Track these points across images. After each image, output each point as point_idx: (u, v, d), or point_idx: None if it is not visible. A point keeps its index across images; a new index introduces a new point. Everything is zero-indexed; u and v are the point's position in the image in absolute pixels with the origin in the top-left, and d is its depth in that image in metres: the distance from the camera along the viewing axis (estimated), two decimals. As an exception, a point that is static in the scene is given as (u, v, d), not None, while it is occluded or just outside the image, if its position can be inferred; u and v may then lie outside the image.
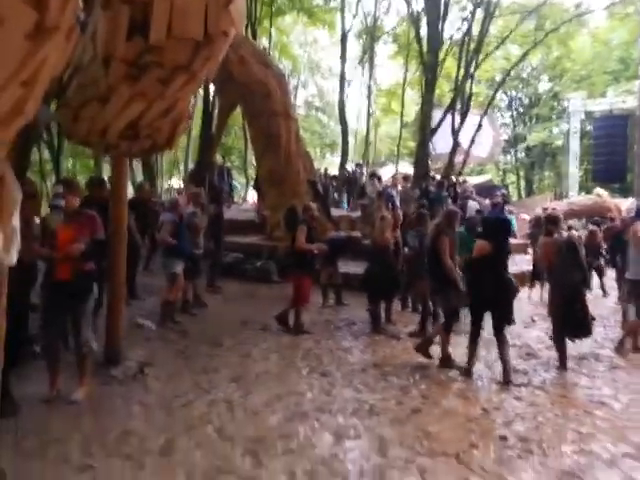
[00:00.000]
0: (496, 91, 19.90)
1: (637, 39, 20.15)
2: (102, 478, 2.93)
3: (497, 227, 4.93)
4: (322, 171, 17.47)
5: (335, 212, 11.91)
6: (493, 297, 4.74)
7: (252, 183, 17.06)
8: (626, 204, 16.44)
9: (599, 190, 18.75)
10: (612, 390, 4.56)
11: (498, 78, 22.95)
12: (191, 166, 17.99)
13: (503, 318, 4.81)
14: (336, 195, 17.02)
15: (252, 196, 17.77)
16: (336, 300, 7.80)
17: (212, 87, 13.71)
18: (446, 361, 5.08)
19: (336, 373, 4.86)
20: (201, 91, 16.46)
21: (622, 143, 21.34)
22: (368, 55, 22.72)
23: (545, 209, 12.78)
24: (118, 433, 3.47)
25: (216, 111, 14.28)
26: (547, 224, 5.57)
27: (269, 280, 9.25)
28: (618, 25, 22.25)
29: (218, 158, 17.70)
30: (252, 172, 19.02)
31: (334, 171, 19.52)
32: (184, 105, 4.30)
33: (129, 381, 4.43)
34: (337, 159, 29.20)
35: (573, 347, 5.46)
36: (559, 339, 5.15)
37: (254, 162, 15.13)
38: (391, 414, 3.95)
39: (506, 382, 4.62)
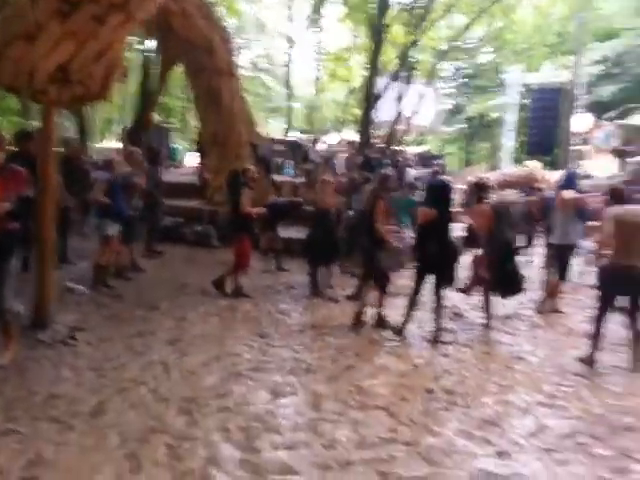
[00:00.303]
0: (440, 61, 20.12)
1: (575, 14, 20.84)
2: (28, 441, 2.86)
3: (440, 192, 5.08)
4: (266, 135, 17.17)
5: (279, 178, 11.81)
6: (438, 260, 4.92)
7: (194, 146, 16.54)
8: (556, 176, 17.29)
9: (529, 162, 19.57)
10: (531, 346, 4.90)
11: (444, 47, 23.16)
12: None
13: (445, 280, 5.01)
14: (280, 161, 16.84)
15: (193, 159, 17.25)
16: (276, 265, 7.81)
17: (151, 42, 13.03)
18: (380, 321, 5.25)
19: (274, 334, 4.92)
20: (139, 45, 15.65)
21: (554, 116, 22.24)
22: (316, 17, 22.25)
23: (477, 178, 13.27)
24: (45, 397, 3.37)
25: (155, 67, 13.59)
26: (477, 191, 5.80)
27: (209, 245, 9.12)
28: (558, -1, 22.88)
29: (157, 118, 16.97)
30: (194, 135, 18.39)
31: (278, 136, 19.24)
32: (119, 50, 4.05)
33: (58, 345, 4.28)
34: (281, 124, 28.78)
35: (498, 307, 5.81)
36: (487, 299, 5.45)
37: (196, 124, 14.64)
38: (326, 371, 4.07)
39: (436, 341, 4.85)
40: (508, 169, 21.06)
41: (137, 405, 3.38)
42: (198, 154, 13.03)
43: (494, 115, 28.93)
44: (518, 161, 24.40)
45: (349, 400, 3.56)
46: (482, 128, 32.09)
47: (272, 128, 28.20)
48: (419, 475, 2.68)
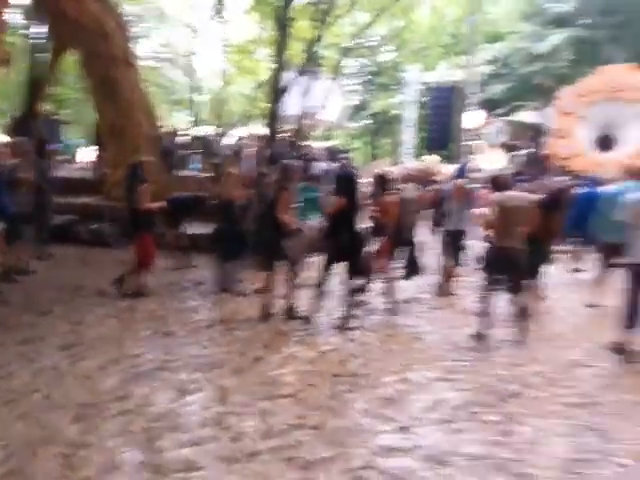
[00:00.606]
0: (344, 57, 20.54)
1: (466, 17, 22.17)
2: None
3: (347, 183, 5.18)
4: (170, 128, 16.54)
5: (185, 172, 11.47)
6: (348, 249, 5.01)
7: (89, 139, 15.51)
8: (451, 169, 18.42)
9: (427, 157, 20.69)
10: (430, 327, 5.18)
11: (348, 44, 23.70)
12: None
13: (356, 268, 5.12)
14: (186, 155, 16.34)
15: (88, 153, 16.18)
16: (183, 262, 7.58)
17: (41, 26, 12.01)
18: (290, 312, 5.28)
19: (180, 332, 4.77)
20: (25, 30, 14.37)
21: (448, 114, 23.67)
22: (220, 7, 21.73)
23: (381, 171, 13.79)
24: None
25: (45, 54, 12.55)
26: (382, 183, 6.02)
27: (105, 243, 8.61)
28: (453, 1, 24.25)
29: (48, 109, 15.71)
30: (89, 127, 17.26)
31: (183, 129, 18.63)
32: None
33: None
34: (186, 117, 27.87)
35: (399, 292, 6.07)
36: (390, 285, 5.68)
37: (91, 116, 13.73)
38: (234, 365, 4.03)
39: (343, 327, 4.97)
40: (409, 163, 22.12)
41: (26, 415, 3.13)
42: (95, 147, 12.26)
43: (396, 112, 30.15)
44: (418, 156, 25.72)
45: (257, 391, 3.55)
46: (385, 124, 33.34)
47: (176, 121, 27.24)
48: (325, 457, 2.74)
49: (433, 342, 4.72)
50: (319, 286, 5.13)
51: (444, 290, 6.50)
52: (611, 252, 5.91)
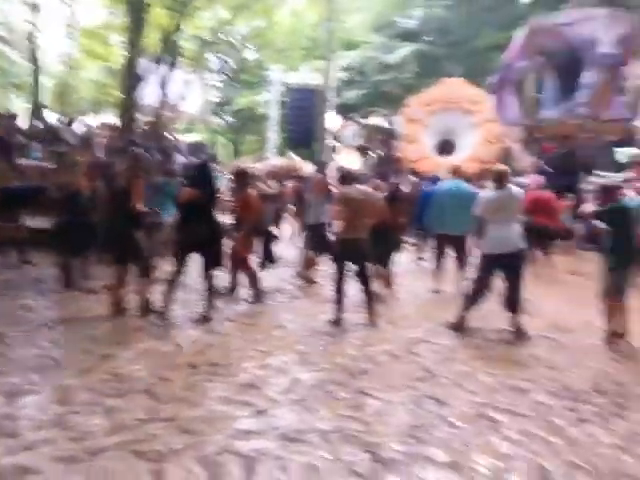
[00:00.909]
0: (205, 50, 20.07)
1: (323, 23, 23.05)
2: None
3: (202, 173, 5.04)
4: (7, 112, 14.64)
5: (26, 162, 10.22)
6: (203, 241, 4.86)
7: None
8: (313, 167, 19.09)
9: (292, 154, 21.19)
10: (290, 315, 5.29)
11: (208, 38, 23.21)
12: None
13: (214, 261, 5.00)
14: (26, 142, 14.60)
15: None
16: (19, 258, 6.78)
17: None
18: (144, 307, 5.01)
19: (11, 333, 4.25)
20: None
21: (310, 114, 24.50)
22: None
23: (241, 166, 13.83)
24: None
25: None
26: (242, 178, 6.01)
27: None
28: (311, 5, 25.03)
29: None
30: None
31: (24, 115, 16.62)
32: None
33: None
34: (27, 102, 24.92)
35: (261, 284, 6.13)
36: (252, 276, 5.70)
37: None
38: (78, 364, 3.70)
39: (203, 319, 4.86)
40: (274, 160, 22.40)
41: None
42: None
43: (261, 110, 30.30)
44: (282, 153, 26.19)
45: (104, 389, 3.30)
46: (250, 122, 33.32)
47: (15, 106, 24.28)
48: (178, 447, 2.64)
49: (293, 329, 4.82)
50: (172, 279, 4.94)
51: (305, 280, 6.70)
52: (444, 243, 6.62)
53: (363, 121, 22.06)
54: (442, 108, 20.47)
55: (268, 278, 6.38)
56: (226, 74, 33.79)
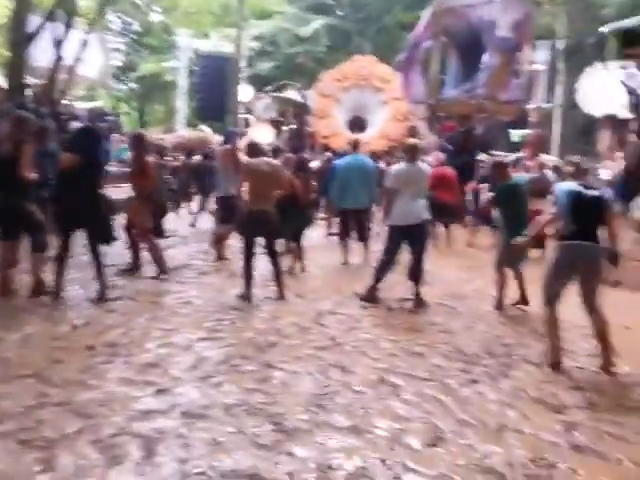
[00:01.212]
0: (105, 9, 18.54)
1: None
2: None
3: (82, 137, 4.67)
4: None
5: None
6: (84, 214, 4.53)
7: None
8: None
9: (203, 126, 20.47)
10: (198, 292, 5.17)
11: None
12: None
13: (99, 236, 4.68)
14: None
15: None
16: None
17: None
18: (37, 288, 4.63)
19: None
20: None
21: (222, 84, 23.63)
22: None
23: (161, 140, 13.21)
24: None
25: None
26: (135, 143, 5.75)
27: None
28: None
29: None
30: None
31: None
32: None
33: None
34: None
35: (169, 260, 5.93)
36: (155, 252, 5.48)
37: None
38: (-45, 351, 3.37)
39: (101, 299, 4.60)
40: (183, 132, 21.49)
41: None
42: None
43: (169, 77, 28.78)
44: (193, 125, 25.14)
45: (-15, 376, 3.04)
46: (157, 90, 31.58)
47: None
48: (71, 432, 2.50)
49: (199, 306, 4.72)
50: (58, 256, 4.59)
51: (216, 255, 6.56)
52: (348, 216, 6.79)
53: (276, 94, 21.75)
54: (353, 85, 20.70)
55: (176, 254, 6.18)
56: (130, 37, 31.64)
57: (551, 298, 3.76)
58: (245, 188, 4.97)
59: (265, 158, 5.07)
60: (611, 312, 5.11)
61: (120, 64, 30.21)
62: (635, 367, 3.72)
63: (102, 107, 24.08)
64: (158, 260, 5.63)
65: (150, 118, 33.64)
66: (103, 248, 4.75)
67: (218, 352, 3.63)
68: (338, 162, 7.24)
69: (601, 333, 3.70)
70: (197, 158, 10.97)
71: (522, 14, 11.74)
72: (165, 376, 3.21)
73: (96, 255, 4.64)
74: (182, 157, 12.31)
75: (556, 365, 3.63)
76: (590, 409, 3.06)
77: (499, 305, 5.08)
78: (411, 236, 4.97)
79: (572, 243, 3.68)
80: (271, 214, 4.93)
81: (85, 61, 17.00)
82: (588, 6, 25.43)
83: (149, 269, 5.70)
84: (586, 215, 3.69)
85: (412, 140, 5.56)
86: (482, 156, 10.88)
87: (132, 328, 4.02)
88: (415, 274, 5.04)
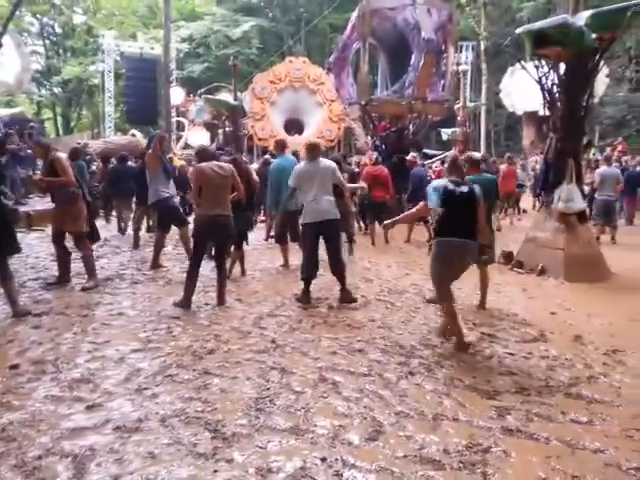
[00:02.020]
0: (17, 6, 17.49)
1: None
2: None
3: None
4: None
5: None
6: None
7: None
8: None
9: (134, 131, 19.80)
10: (131, 302, 4.98)
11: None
12: None
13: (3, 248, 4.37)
14: None
15: None
16: None
17: None
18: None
19: None
20: None
21: (152, 87, 22.99)
22: None
23: (79, 144, 12.60)
24: None
25: None
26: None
27: None
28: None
29: None
30: None
31: None
32: None
33: None
34: None
35: (100, 271, 5.69)
36: (92, 261, 5.26)
37: None
38: None
39: (24, 314, 4.33)
40: (112, 137, 20.72)
41: None
42: None
43: (95, 81, 27.64)
44: (122, 129, 24.28)
45: None
46: (83, 94, 30.23)
47: None
48: (-9, 458, 2.33)
49: (133, 316, 4.54)
50: None
51: (151, 262, 6.35)
52: (284, 219, 6.74)
53: (209, 96, 21.41)
54: (288, 87, 20.77)
55: (107, 264, 5.93)
56: (50, 39, 30.05)
57: (444, 295, 3.94)
58: (195, 193, 4.81)
59: (216, 162, 4.94)
60: (537, 299, 5.45)
61: (40, 68, 28.67)
62: (560, 350, 3.94)
63: (23, 113, 22.76)
64: (91, 270, 5.39)
65: (76, 124, 32.09)
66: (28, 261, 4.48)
67: (153, 363, 3.50)
68: (271, 166, 7.19)
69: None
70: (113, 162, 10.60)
71: (445, 17, 12.20)
72: (96, 391, 3.06)
73: (4, 270, 4.33)
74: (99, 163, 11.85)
75: (465, 347, 3.81)
76: (520, 393, 3.21)
77: (432, 300, 5.22)
78: (322, 233, 5.01)
79: (445, 240, 3.85)
80: (227, 218, 4.82)
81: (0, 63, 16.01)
82: (506, 9, 26.86)
83: (78, 281, 5.44)
84: (456, 210, 3.81)
85: (312, 140, 5.64)
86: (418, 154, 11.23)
87: (60, 343, 3.81)
88: (336, 270, 5.07)
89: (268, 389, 3.16)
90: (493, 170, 10.79)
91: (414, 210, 4.35)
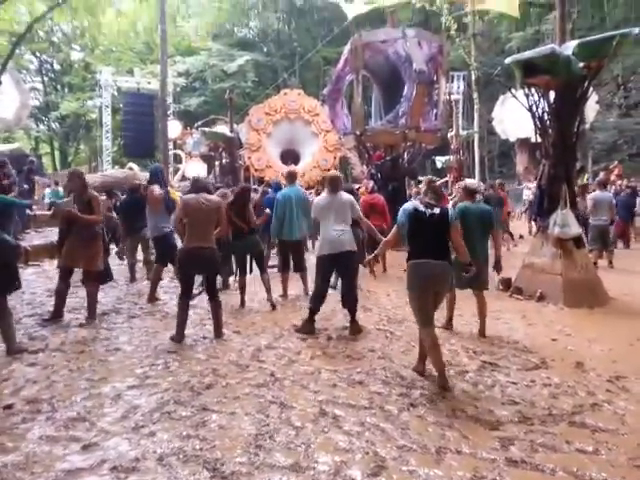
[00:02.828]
0: (16, 44, 17.89)
1: (157, 27, 22.12)
2: None
3: None
4: None
5: None
6: None
7: None
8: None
9: (132, 164, 19.98)
10: (127, 337, 4.93)
11: (23, 33, 20.73)
12: None
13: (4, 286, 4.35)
14: None
15: None
16: None
17: None
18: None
19: None
20: None
21: (149, 121, 23.31)
22: None
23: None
24: None
25: None
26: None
27: None
28: (143, 9, 23.86)
29: None
30: None
31: None
32: None
33: None
34: None
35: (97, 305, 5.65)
36: (96, 298, 5.23)
37: None
38: None
39: (19, 351, 4.28)
40: (109, 171, 20.87)
41: None
42: None
43: (93, 116, 28.03)
44: (119, 163, 24.51)
45: None
46: (80, 129, 30.60)
47: None
48: (-16, 504, 2.27)
49: (130, 352, 4.48)
50: None
51: (148, 296, 6.32)
52: (286, 248, 6.76)
53: (206, 129, 21.69)
54: (284, 118, 21.07)
55: (103, 298, 5.89)
56: (48, 75, 30.57)
57: (425, 320, 3.78)
58: (180, 225, 4.83)
59: (204, 194, 4.96)
60: (537, 325, 5.42)
61: (38, 104, 29.10)
62: (562, 377, 3.90)
63: (21, 148, 22.99)
64: (92, 306, 5.37)
65: (73, 158, 32.37)
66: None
67: (150, 399, 3.45)
68: (276, 195, 7.22)
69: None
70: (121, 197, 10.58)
71: (435, 48, 12.49)
72: (92, 430, 3.00)
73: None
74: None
75: (446, 382, 3.65)
76: (524, 422, 3.16)
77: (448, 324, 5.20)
78: (338, 265, 5.03)
79: (414, 262, 3.77)
80: (211, 250, 4.81)
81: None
82: (495, 40, 27.59)
83: (74, 316, 5.40)
84: (427, 232, 3.76)
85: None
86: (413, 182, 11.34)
87: (56, 381, 3.75)
88: (349, 302, 5.07)
89: (267, 425, 3.10)
90: (499, 196, 11.09)
91: (390, 236, 4.23)
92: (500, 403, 3.44)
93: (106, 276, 5.69)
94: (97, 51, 26.40)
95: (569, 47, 6.35)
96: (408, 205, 3.91)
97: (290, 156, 21.56)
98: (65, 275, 5.42)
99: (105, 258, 5.63)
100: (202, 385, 3.69)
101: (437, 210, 3.80)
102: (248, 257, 6.30)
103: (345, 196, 5.15)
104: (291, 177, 6.98)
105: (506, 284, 7.00)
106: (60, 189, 15.36)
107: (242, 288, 6.16)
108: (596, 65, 6.40)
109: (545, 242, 6.79)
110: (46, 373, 3.91)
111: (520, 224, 14.23)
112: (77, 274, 5.62)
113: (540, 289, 6.52)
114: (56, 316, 5.39)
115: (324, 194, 5.24)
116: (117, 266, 8.84)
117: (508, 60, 6.73)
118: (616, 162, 17.68)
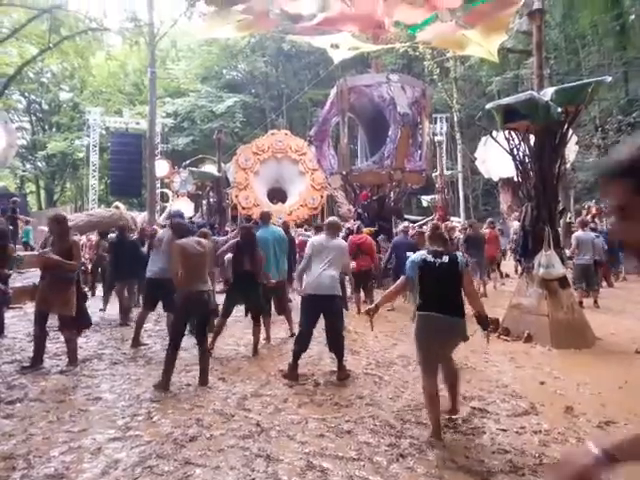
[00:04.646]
0: (6, 86, 18.08)
1: (146, 69, 22.56)
2: None
3: None
4: None
5: None
6: None
7: None
8: (141, 216, 18.33)
9: (118, 203, 19.98)
10: (109, 384, 4.79)
11: (12, 75, 20.98)
12: None
13: None
14: None
15: None
16: None
17: None
18: None
19: None
20: None
21: (137, 160, 23.45)
22: None
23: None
24: None
25: None
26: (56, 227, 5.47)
27: None
28: (133, 52, 24.36)
29: None
30: None
31: None
32: None
33: None
34: None
35: (78, 351, 5.52)
36: (75, 344, 5.10)
37: None
38: None
39: (-4, 402, 4.13)
40: (95, 210, 20.83)
41: None
42: None
43: (80, 155, 28.11)
44: (105, 201, 24.47)
45: None
46: (67, 168, 30.64)
47: None
48: None
49: (111, 401, 4.35)
50: None
51: (134, 341, 6.19)
52: (266, 291, 6.66)
53: (193, 168, 21.85)
54: (271, 157, 21.37)
55: (85, 343, 5.76)
56: (36, 115, 30.76)
57: (427, 370, 3.66)
58: (176, 269, 4.78)
59: (195, 238, 4.96)
60: (525, 367, 5.39)
61: (25, 143, 29.17)
62: (552, 423, 3.85)
63: (6, 187, 22.91)
64: (72, 353, 5.24)
65: (59, 197, 32.25)
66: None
67: (131, 453, 3.32)
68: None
69: (452, 385, 3.83)
70: (112, 236, 10.53)
71: (418, 92, 12.89)
72: (70, 490, 2.87)
73: None
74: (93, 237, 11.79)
75: (436, 435, 3.55)
76: (515, 472, 3.09)
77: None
78: (323, 307, 4.96)
79: (426, 314, 3.61)
80: (208, 294, 4.79)
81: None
82: (476, 83, 28.52)
83: (54, 362, 5.25)
84: (437, 283, 3.60)
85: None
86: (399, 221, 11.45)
87: (33, 434, 3.61)
88: (335, 346, 5.00)
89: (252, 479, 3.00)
90: (480, 235, 10.77)
91: (394, 287, 4.14)
92: (490, 452, 3.38)
93: (83, 321, 5.55)
94: (86, 92, 26.71)
95: (547, 93, 6.59)
96: (416, 257, 3.75)
97: (277, 194, 21.74)
98: (41, 319, 5.30)
99: (80, 303, 5.50)
100: (185, 437, 3.57)
101: (446, 258, 3.65)
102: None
103: (342, 243, 5.19)
104: (265, 218, 6.91)
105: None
106: (30, 227, 15.19)
107: (218, 332, 6.02)
108: (574, 110, 6.63)
109: (530, 283, 6.84)
110: (24, 425, 3.77)
111: (505, 262, 14.33)
112: (56, 319, 5.51)
113: (527, 330, 6.53)
114: (35, 363, 5.24)
115: (323, 235, 5.26)
116: (98, 311, 8.68)
117: (489, 106, 6.95)
118: (593, 202, 18.02)
